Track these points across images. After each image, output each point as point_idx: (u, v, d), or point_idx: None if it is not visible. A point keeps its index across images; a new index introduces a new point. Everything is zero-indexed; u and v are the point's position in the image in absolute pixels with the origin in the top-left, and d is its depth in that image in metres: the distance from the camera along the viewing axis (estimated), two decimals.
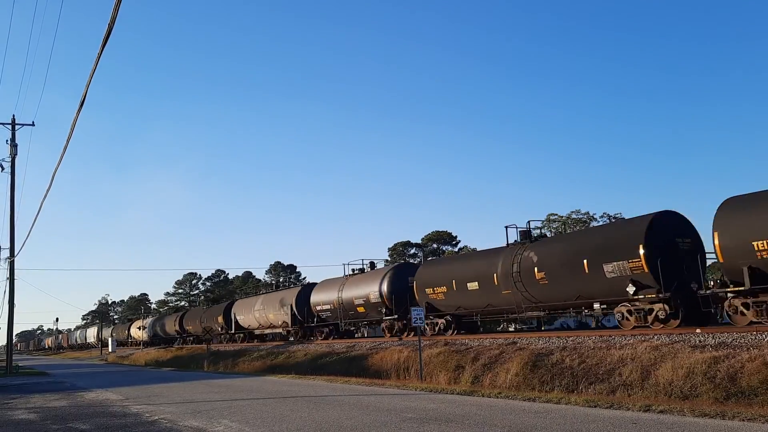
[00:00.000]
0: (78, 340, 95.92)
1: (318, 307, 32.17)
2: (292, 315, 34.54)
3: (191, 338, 55.44)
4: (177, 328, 56.12)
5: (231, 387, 17.45)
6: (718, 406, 9.88)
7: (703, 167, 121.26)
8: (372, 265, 31.20)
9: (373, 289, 27.74)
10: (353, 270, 31.55)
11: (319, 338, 32.54)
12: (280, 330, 37.37)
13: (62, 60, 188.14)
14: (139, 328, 67.42)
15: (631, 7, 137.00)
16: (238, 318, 43.06)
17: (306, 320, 33.66)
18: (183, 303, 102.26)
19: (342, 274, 32.14)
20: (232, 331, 44.05)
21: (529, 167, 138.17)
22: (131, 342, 70.78)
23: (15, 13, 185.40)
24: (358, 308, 29.04)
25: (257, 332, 41.87)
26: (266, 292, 44.29)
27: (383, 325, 28.44)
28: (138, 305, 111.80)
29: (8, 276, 32.47)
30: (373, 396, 13.28)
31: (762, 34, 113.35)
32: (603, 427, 8.03)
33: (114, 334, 76.12)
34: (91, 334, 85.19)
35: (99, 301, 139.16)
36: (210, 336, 49.26)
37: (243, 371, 28.69)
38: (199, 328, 51.32)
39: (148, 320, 68.09)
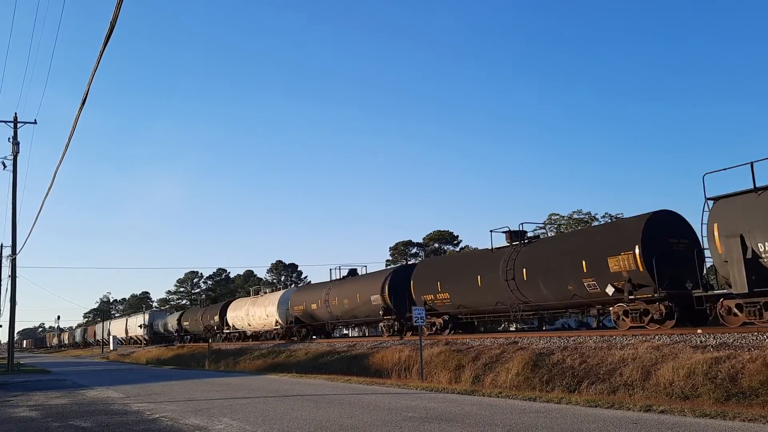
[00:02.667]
0: (105, 334, 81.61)
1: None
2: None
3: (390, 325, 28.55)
4: (322, 307, 33.07)
5: (232, 385, 17.46)
6: (719, 407, 9.87)
7: (704, 167, 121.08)
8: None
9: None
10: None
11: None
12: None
13: (64, 58, 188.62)
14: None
15: (633, 6, 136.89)
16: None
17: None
18: (184, 302, 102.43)
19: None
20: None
21: (531, 167, 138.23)
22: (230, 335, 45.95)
23: (17, 12, 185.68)
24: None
25: None
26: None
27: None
28: (139, 303, 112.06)
29: (10, 274, 32.60)
30: (374, 395, 13.28)
31: (764, 33, 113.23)
32: (604, 427, 8.03)
33: (185, 323, 55.92)
34: (134, 324, 68.71)
35: (100, 299, 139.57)
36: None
37: (244, 370, 28.71)
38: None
39: (272, 297, 40.07)
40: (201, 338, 52.93)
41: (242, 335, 44.80)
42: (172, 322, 60.79)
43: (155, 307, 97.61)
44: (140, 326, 66.36)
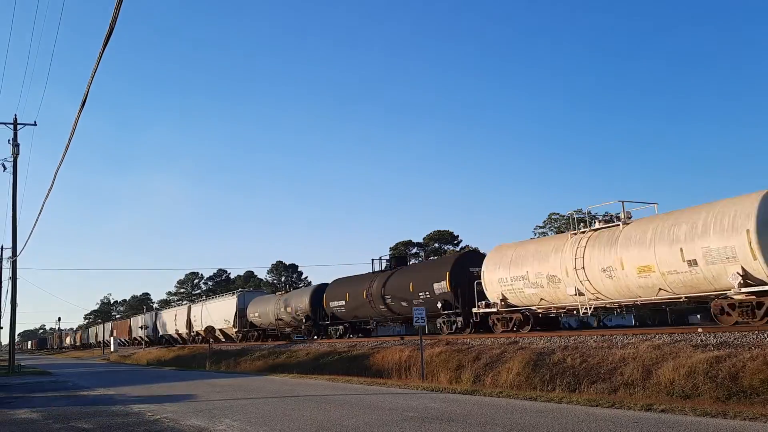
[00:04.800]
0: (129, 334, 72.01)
1: None
2: None
3: None
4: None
5: (233, 386, 17.46)
6: (720, 406, 9.87)
7: (703, 166, 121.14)
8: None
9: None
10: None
11: None
12: None
13: (63, 58, 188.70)
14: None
15: (633, 2, 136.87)
16: None
17: None
18: (185, 303, 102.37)
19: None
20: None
21: (531, 166, 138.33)
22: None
23: (16, 13, 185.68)
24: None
25: None
26: None
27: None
28: (140, 305, 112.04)
29: (11, 276, 32.64)
30: (374, 395, 13.28)
31: (764, 31, 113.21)
32: (604, 426, 8.03)
33: (335, 304, 31.19)
34: (224, 309, 45.72)
35: (101, 300, 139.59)
36: None
37: (245, 370, 28.70)
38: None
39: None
40: (359, 328, 32.29)
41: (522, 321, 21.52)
42: (300, 303, 35.72)
43: (156, 308, 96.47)
44: (225, 320, 45.13)
